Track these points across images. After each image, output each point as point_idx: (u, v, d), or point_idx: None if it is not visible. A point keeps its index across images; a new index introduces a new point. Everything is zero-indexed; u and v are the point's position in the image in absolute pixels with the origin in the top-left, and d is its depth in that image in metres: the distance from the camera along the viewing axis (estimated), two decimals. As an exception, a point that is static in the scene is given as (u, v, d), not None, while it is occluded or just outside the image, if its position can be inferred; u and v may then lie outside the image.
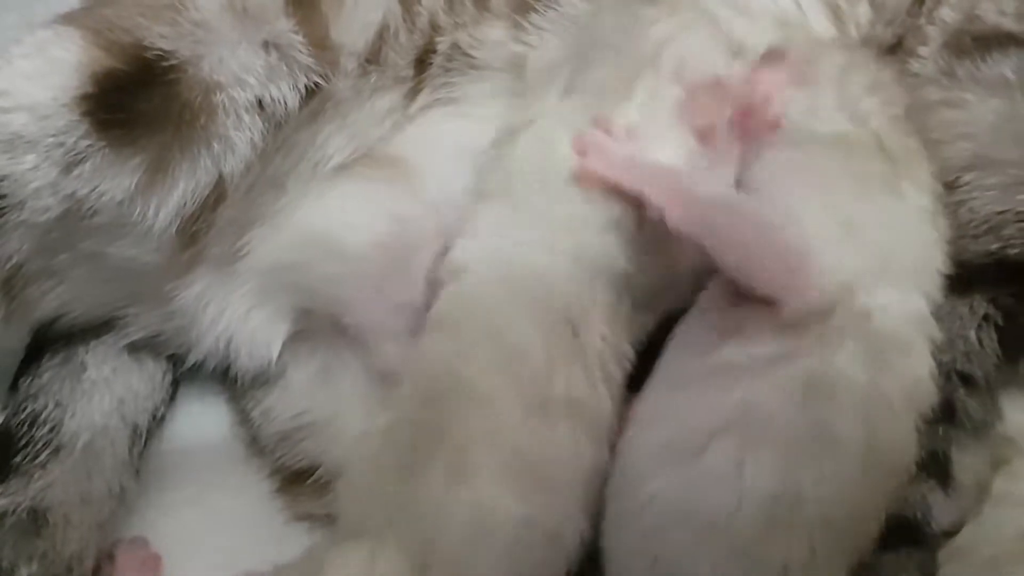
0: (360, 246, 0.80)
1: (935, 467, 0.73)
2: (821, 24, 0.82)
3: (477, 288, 0.72)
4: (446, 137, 0.83)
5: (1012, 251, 0.73)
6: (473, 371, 0.67)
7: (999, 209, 0.74)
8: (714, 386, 0.65)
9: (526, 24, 0.83)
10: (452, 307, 0.72)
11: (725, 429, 0.63)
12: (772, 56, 0.74)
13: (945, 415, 0.73)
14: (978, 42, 0.77)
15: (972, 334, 0.74)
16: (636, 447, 0.67)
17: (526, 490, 0.65)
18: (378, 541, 0.64)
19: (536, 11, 0.83)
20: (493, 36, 0.83)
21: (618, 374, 0.71)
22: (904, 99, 0.75)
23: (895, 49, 0.81)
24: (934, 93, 0.78)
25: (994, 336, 0.74)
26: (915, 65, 0.79)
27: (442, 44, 0.82)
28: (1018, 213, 0.74)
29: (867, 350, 0.64)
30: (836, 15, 0.82)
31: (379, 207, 0.81)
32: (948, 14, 0.79)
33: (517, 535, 0.65)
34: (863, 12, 0.82)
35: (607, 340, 0.71)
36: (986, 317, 0.74)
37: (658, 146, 0.73)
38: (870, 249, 0.67)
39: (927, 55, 0.79)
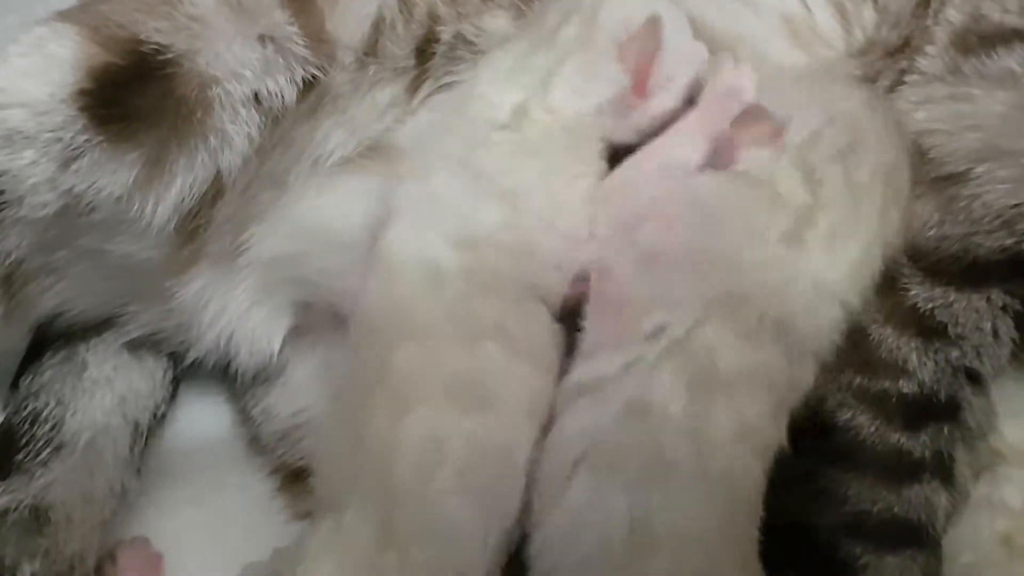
0: (360, 236, 0.79)
1: (939, 469, 0.72)
2: (827, 24, 0.82)
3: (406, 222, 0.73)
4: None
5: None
6: (407, 306, 0.69)
7: (1013, 203, 0.73)
8: (573, 411, 0.66)
9: (529, 12, 0.83)
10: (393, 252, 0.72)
11: (582, 458, 0.64)
12: (750, 114, 0.73)
13: (949, 415, 0.72)
14: (983, 40, 0.77)
15: (988, 326, 0.72)
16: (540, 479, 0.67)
17: (469, 408, 0.65)
18: (341, 508, 0.65)
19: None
20: (496, 25, 0.83)
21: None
22: (883, 159, 0.73)
23: (903, 48, 0.81)
24: (940, 90, 0.77)
25: (1011, 324, 0.73)
26: (922, 63, 0.79)
27: (444, 34, 0.82)
28: None
29: (689, 382, 0.64)
30: (842, 16, 0.82)
31: (379, 197, 0.80)
32: (953, 15, 0.79)
33: (469, 454, 0.65)
34: (868, 15, 0.82)
35: None
36: (1004, 307, 0.73)
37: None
38: (720, 286, 0.66)
39: (934, 54, 0.79)
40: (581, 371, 0.67)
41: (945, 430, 0.72)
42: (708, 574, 0.62)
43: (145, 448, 0.85)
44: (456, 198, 0.72)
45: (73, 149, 0.68)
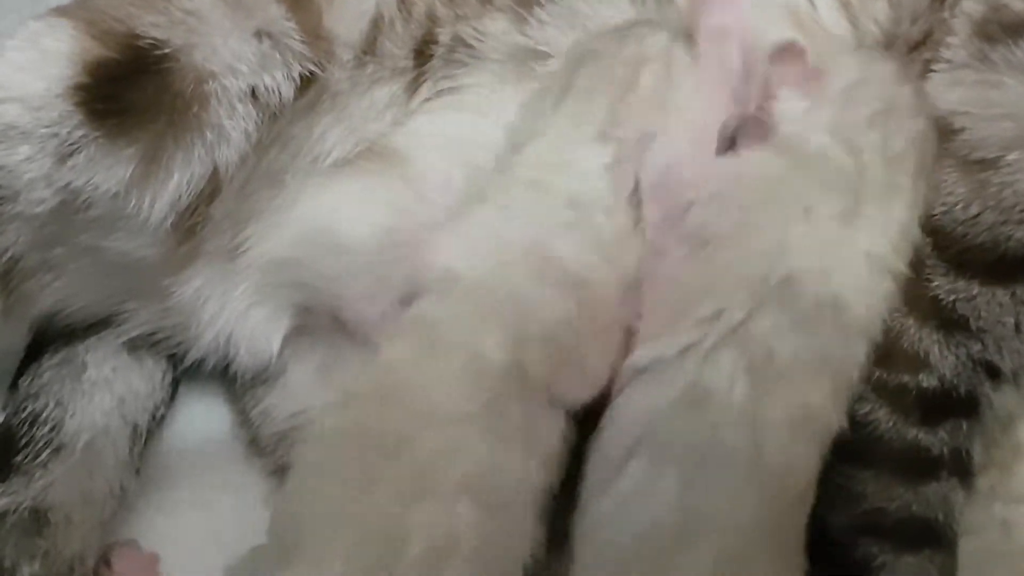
0: (360, 240, 0.80)
1: (957, 466, 0.70)
2: (832, 19, 0.82)
3: (458, 299, 0.69)
4: (448, 130, 0.83)
5: None
6: (445, 391, 0.65)
7: None
8: (629, 394, 0.65)
9: (529, 17, 0.83)
10: (431, 312, 0.69)
11: (638, 443, 0.63)
12: (789, 51, 0.73)
13: (968, 410, 0.71)
14: (1007, 29, 0.75)
15: (1011, 321, 0.70)
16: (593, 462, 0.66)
17: (485, 505, 0.63)
18: (322, 558, 0.62)
19: (539, 4, 0.83)
20: (495, 28, 0.83)
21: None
22: (916, 126, 0.73)
23: (925, 41, 0.80)
24: (970, 75, 0.76)
25: None
26: (947, 53, 0.77)
27: (443, 35, 0.82)
28: None
29: (747, 368, 0.62)
30: (848, 11, 0.82)
31: (379, 201, 0.81)
32: (971, 6, 0.78)
33: (477, 552, 0.63)
34: (880, 9, 0.82)
35: None
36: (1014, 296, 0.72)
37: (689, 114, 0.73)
38: (775, 271, 0.65)
39: (958, 44, 0.77)
40: (639, 354, 0.66)
41: (964, 426, 0.70)
42: (753, 565, 0.61)
43: (144, 449, 0.85)
44: (519, 288, 0.68)
45: (69, 144, 0.68)
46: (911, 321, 0.71)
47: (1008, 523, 0.71)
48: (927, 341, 0.71)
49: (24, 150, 0.68)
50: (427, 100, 0.83)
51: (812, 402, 0.62)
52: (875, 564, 0.68)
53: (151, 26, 0.70)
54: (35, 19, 0.71)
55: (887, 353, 0.69)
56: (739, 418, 0.61)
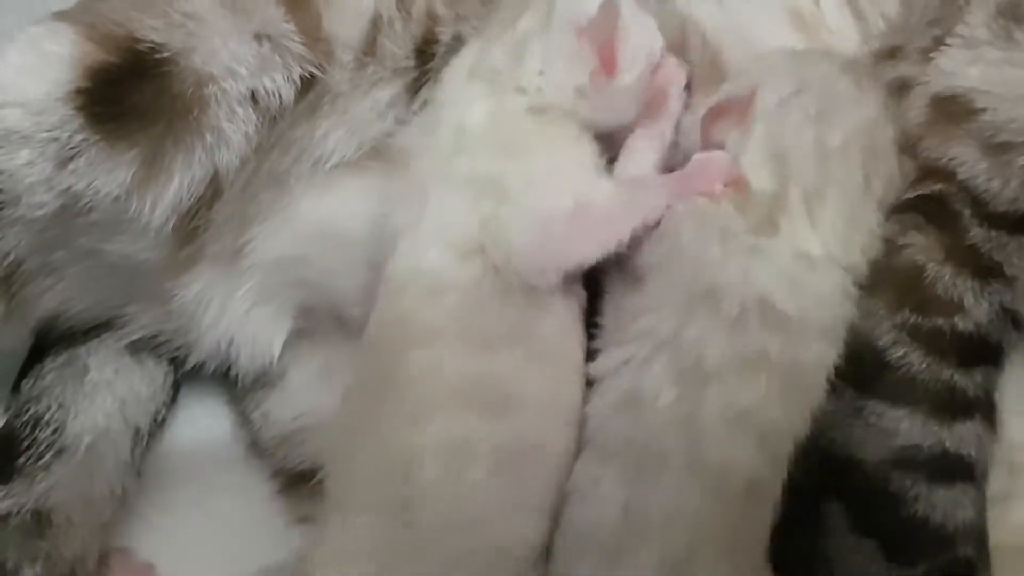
0: (362, 236, 0.80)
1: (989, 411, 0.71)
2: (837, 16, 0.82)
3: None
4: None
5: None
6: (412, 317, 0.69)
7: None
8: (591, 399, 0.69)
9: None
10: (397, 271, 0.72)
11: (586, 443, 0.68)
12: (719, 110, 0.75)
13: (996, 358, 0.72)
14: None
15: None
16: None
17: (491, 411, 0.66)
18: (354, 512, 0.65)
19: None
20: None
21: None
22: (857, 117, 0.74)
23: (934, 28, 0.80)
24: (993, 53, 0.75)
25: None
26: (964, 30, 0.77)
27: (444, 35, 0.82)
28: None
29: (678, 374, 0.66)
30: (853, 6, 0.82)
31: (381, 197, 0.80)
32: None
33: (498, 454, 0.65)
34: (890, 4, 0.82)
35: None
36: None
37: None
38: (696, 284, 0.68)
39: (977, 23, 0.77)
40: (589, 366, 0.70)
41: (993, 373, 0.71)
42: (700, 563, 0.63)
43: (146, 451, 0.85)
44: (452, 210, 0.72)
45: (70, 148, 0.68)
46: (948, 269, 0.72)
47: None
48: (962, 287, 0.71)
49: (25, 154, 0.68)
50: (430, 100, 0.82)
51: (746, 401, 0.64)
52: (909, 496, 0.68)
53: (150, 30, 0.70)
54: (35, 24, 0.71)
55: (922, 299, 0.71)
56: (672, 420, 0.64)
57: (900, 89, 0.79)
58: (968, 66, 0.76)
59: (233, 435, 0.89)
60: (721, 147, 0.74)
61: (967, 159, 0.73)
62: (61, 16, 0.71)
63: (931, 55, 0.78)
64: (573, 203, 0.70)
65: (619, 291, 0.72)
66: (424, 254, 0.71)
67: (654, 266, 0.70)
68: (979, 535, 0.69)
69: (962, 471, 0.69)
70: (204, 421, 0.90)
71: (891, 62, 0.81)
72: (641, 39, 0.76)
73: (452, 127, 0.75)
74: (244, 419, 0.88)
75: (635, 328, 0.68)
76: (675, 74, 0.79)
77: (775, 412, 0.65)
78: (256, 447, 0.88)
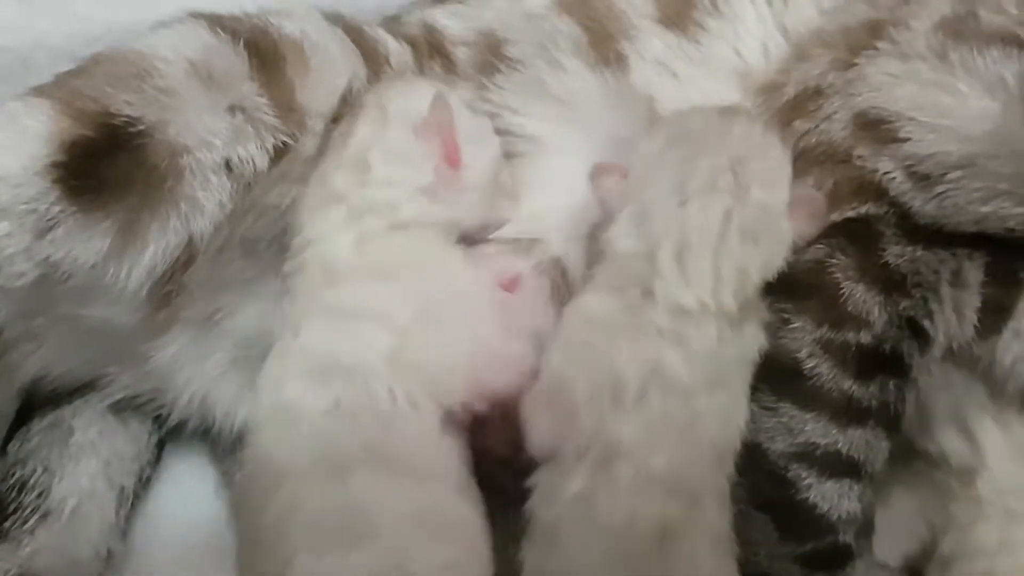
0: None
1: (884, 418, 0.76)
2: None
3: None
4: None
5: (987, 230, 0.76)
6: (269, 457, 0.70)
7: (983, 209, 0.75)
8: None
9: (490, 85, 0.85)
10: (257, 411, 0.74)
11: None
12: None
13: (896, 369, 0.76)
14: (975, 34, 0.77)
15: (947, 270, 0.76)
16: None
17: (350, 542, 0.66)
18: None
19: (500, 72, 0.85)
20: (460, 97, 0.84)
21: None
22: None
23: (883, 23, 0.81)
24: (925, 71, 0.77)
25: (980, 275, 0.76)
26: (901, 35, 0.79)
27: None
28: (1001, 218, 0.75)
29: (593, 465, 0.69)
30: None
31: None
32: (942, 3, 0.79)
33: None
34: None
35: None
36: (970, 257, 0.77)
37: None
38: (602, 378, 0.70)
39: (918, 30, 0.79)
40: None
41: (891, 384, 0.76)
42: None
43: (131, 512, 0.86)
44: (315, 339, 0.73)
45: (48, 220, 0.69)
46: (860, 287, 0.76)
47: None
48: (870, 303, 0.76)
49: (3, 226, 0.69)
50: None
51: (656, 464, 0.68)
52: (802, 484, 0.75)
53: (125, 104, 0.71)
54: (14, 98, 0.73)
55: (837, 315, 0.75)
56: (575, 499, 0.68)
57: (815, 95, 0.81)
58: (897, 84, 0.78)
59: (217, 494, 0.89)
60: (608, 206, 0.76)
61: (896, 176, 0.76)
62: (38, 91, 0.73)
63: (856, 61, 0.80)
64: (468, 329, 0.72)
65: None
66: (281, 388, 0.72)
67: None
68: (861, 525, 0.76)
69: (851, 470, 0.76)
70: (188, 481, 0.90)
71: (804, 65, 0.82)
72: (478, 132, 0.78)
73: (318, 264, 0.75)
74: (227, 478, 0.89)
75: (568, 448, 0.70)
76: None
77: (684, 464, 0.69)
78: (240, 506, 0.88)
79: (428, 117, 0.76)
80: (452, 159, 0.76)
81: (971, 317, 0.77)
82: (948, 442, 0.82)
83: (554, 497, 0.69)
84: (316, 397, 0.70)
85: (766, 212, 0.74)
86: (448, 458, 0.71)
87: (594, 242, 0.79)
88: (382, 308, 0.72)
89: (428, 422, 0.71)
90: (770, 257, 0.73)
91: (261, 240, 0.81)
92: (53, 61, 0.78)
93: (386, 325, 0.72)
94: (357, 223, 0.75)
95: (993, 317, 0.77)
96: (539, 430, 0.72)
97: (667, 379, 0.69)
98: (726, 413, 0.72)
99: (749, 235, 0.72)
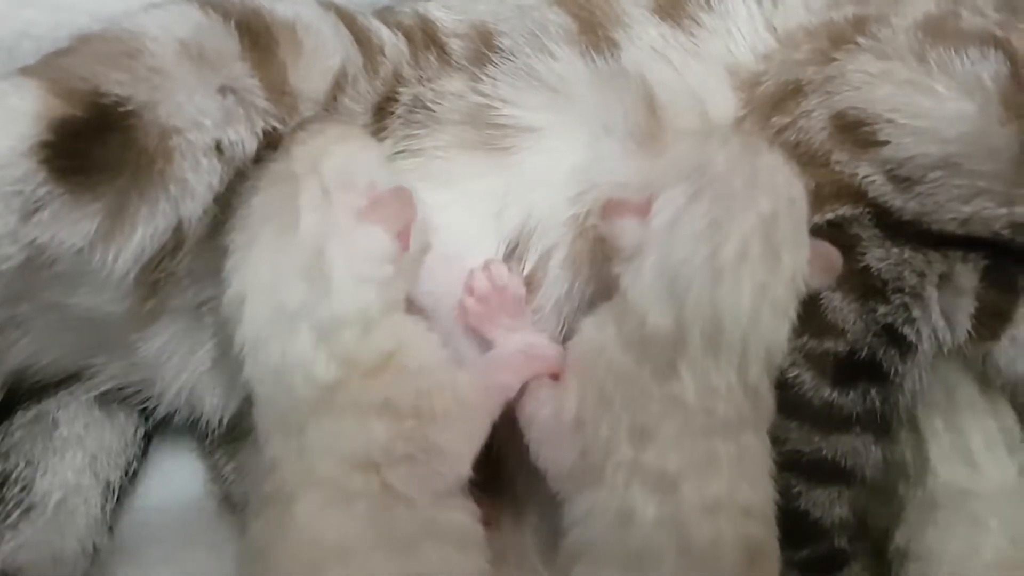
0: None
1: (870, 424, 0.78)
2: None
3: None
4: None
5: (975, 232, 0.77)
6: (323, 530, 0.69)
7: (966, 209, 0.76)
8: (572, 533, 0.72)
9: (483, 76, 0.84)
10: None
11: (579, 556, 0.71)
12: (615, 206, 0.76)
13: (874, 376, 0.78)
14: (954, 34, 0.77)
15: (935, 272, 0.78)
16: None
17: None
18: None
19: (493, 63, 0.85)
20: (452, 88, 0.84)
21: None
22: (767, 195, 0.72)
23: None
24: (902, 72, 0.78)
25: (974, 277, 0.78)
26: (884, 32, 0.79)
27: (404, 95, 0.84)
28: (985, 219, 0.76)
29: (652, 488, 0.69)
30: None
31: None
32: (924, 3, 0.80)
33: None
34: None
35: None
36: (964, 259, 0.78)
37: None
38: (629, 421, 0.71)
39: (899, 26, 0.79)
40: (575, 507, 0.72)
41: (872, 391, 0.77)
42: None
43: (117, 506, 0.85)
44: (337, 433, 0.71)
45: (34, 202, 0.68)
46: (838, 295, 0.77)
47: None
48: (846, 311, 0.77)
49: None
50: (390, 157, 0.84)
51: (714, 489, 0.69)
52: (792, 492, 0.77)
53: (115, 83, 0.70)
54: (0, 79, 0.71)
55: (818, 325, 0.77)
56: (659, 523, 0.69)
57: (795, 92, 0.81)
58: (875, 85, 0.78)
59: (205, 489, 0.89)
60: (618, 246, 0.74)
61: (876, 179, 0.77)
62: (25, 71, 0.71)
63: (836, 56, 0.79)
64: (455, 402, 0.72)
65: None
66: (315, 466, 0.69)
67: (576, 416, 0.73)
68: (854, 530, 0.78)
69: (838, 475, 0.78)
70: (176, 475, 0.89)
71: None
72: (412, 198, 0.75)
73: (304, 385, 0.71)
74: (216, 473, 0.88)
75: (604, 468, 0.70)
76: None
77: (743, 488, 0.70)
78: (228, 501, 0.87)
79: (383, 201, 0.73)
80: (405, 243, 0.74)
81: (964, 322, 0.78)
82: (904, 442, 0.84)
83: (621, 521, 0.69)
84: (358, 483, 0.69)
85: (795, 280, 0.72)
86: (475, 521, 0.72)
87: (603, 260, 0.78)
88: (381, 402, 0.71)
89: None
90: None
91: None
92: (39, 50, 0.76)
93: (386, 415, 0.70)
94: (328, 343, 0.71)
95: (990, 323, 0.78)
96: (560, 463, 0.73)
97: (695, 406, 0.70)
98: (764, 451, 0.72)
99: (781, 311, 0.71)
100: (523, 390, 0.74)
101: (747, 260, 0.70)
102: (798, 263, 0.71)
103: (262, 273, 0.72)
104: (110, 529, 0.83)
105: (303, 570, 0.67)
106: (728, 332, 0.69)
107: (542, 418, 0.74)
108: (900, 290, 0.76)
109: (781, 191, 0.72)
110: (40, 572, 0.77)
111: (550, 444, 0.73)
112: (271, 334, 0.71)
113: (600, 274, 0.79)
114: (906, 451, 0.83)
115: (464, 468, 0.71)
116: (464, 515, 0.71)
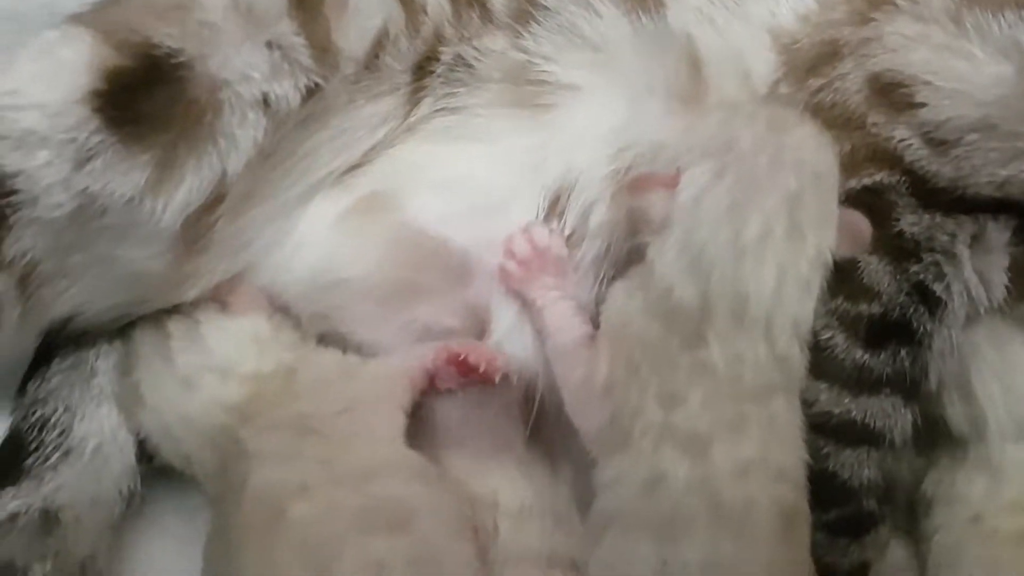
0: (361, 277, 0.83)
1: (900, 386, 0.77)
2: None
3: None
4: (441, 166, 0.85)
5: (1011, 195, 0.77)
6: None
7: (1003, 172, 0.76)
8: (601, 502, 0.73)
9: (524, 32, 0.85)
10: None
11: (610, 523, 0.71)
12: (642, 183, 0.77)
13: (905, 337, 0.78)
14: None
15: (966, 233, 0.78)
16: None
17: (394, 528, 0.69)
18: None
19: (535, 20, 0.85)
20: (494, 46, 0.85)
21: None
22: (793, 173, 0.73)
23: None
24: (938, 35, 0.78)
25: (1007, 236, 0.78)
26: None
27: (445, 54, 0.85)
28: (1022, 182, 0.76)
29: (683, 450, 0.70)
30: None
31: (376, 240, 0.83)
32: None
33: (411, 570, 0.68)
34: None
35: None
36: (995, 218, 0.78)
37: None
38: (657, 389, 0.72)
39: None
40: (602, 472, 0.73)
41: (903, 352, 0.77)
42: None
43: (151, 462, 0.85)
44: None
45: (87, 150, 0.69)
46: (874, 259, 0.77)
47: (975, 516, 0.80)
48: (881, 273, 0.77)
49: (43, 155, 0.69)
50: (425, 119, 0.85)
51: (746, 451, 0.70)
52: (821, 454, 0.76)
53: (166, 36, 0.71)
54: (51, 28, 0.72)
55: (852, 288, 0.77)
56: (691, 487, 0.69)
57: (831, 54, 0.81)
58: (912, 48, 0.79)
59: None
60: (646, 219, 0.75)
61: (912, 142, 0.78)
62: (76, 19, 0.73)
63: (873, 16, 0.80)
64: None
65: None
66: None
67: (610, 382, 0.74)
68: (883, 492, 0.78)
69: (867, 437, 0.77)
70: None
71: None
72: None
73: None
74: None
75: (632, 433, 0.71)
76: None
77: (775, 451, 0.71)
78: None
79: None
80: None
81: (999, 279, 0.79)
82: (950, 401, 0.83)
83: (651, 486, 0.70)
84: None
85: (820, 255, 0.73)
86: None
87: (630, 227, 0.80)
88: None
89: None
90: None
91: (279, 187, 0.81)
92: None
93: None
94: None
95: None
96: (591, 425, 0.74)
97: (725, 371, 0.71)
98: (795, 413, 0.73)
99: (804, 287, 0.72)
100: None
101: (770, 239, 0.71)
102: (823, 238, 0.73)
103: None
104: (144, 476, 0.84)
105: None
106: (753, 307, 0.71)
107: (574, 380, 0.76)
108: (931, 249, 0.77)
109: (807, 167, 0.73)
110: (79, 512, 0.78)
111: (581, 406, 0.75)
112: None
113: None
114: (955, 410, 0.82)
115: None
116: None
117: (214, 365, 0.79)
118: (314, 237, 0.83)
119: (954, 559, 0.79)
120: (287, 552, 0.68)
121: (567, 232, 0.82)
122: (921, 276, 0.77)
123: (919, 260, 0.77)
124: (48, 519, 0.77)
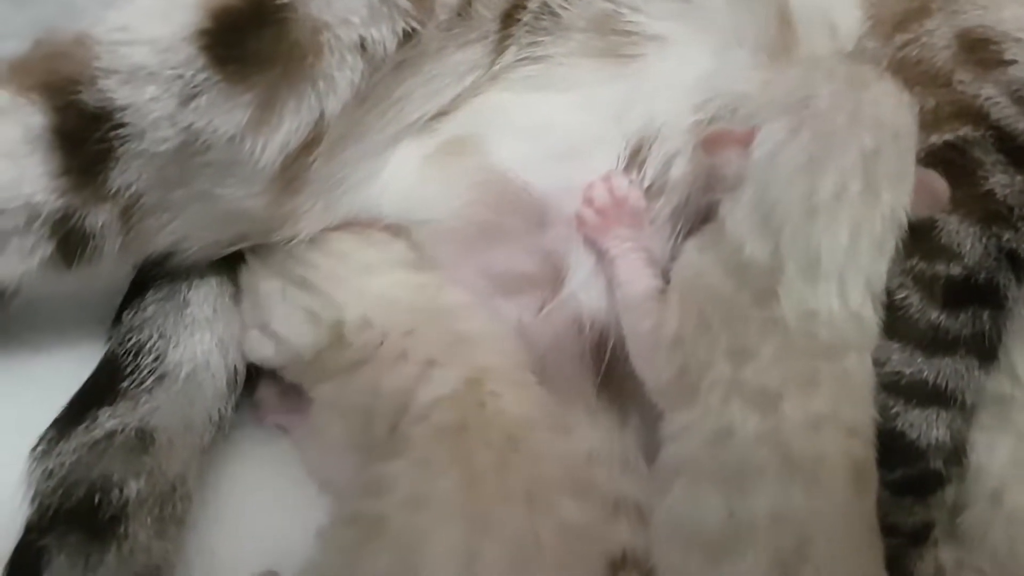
0: (446, 216, 0.85)
1: (977, 348, 0.78)
2: None
3: None
4: (526, 112, 0.86)
5: None
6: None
7: None
8: (667, 453, 0.74)
9: None
10: None
11: (678, 473, 0.72)
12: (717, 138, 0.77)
13: (990, 299, 0.78)
14: None
15: None
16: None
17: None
18: None
19: None
20: None
21: None
22: (870, 129, 0.73)
23: None
24: None
25: None
26: None
27: (532, 2, 0.85)
28: None
29: (752, 404, 0.71)
30: None
31: (461, 184, 0.85)
32: None
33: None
34: None
35: None
36: None
37: None
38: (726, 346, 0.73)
39: None
40: (669, 426, 0.75)
41: (985, 315, 0.77)
42: (815, 557, 0.68)
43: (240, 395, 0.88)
44: None
45: (193, 87, 0.71)
46: (955, 218, 0.78)
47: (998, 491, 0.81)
48: (963, 234, 0.78)
49: (151, 90, 0.71)
50: (508, 68, 0.86)
51: (819, 406, 0.70)
52: (890, 412, 0.77)
53: None
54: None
55: (929, 247, 0.77)
56: (760, 439, 0.70)
57: (920, 11, 0.81)
58: (1003, 4, 0.78)
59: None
60: (720, 176, 0.76)
61: (1000, 100, 0.78)
62: (186, -41, 0.74)
63: None
64: None
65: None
66: None
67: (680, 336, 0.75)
68: (950, 453, 0.79)
69: (937, 398, 0.78)
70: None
71: None
72: None
73: None
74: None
75: (700, 387, 0.73)
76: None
77: (846, 408, 0.71)
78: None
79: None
80: None
81: None
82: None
83: (719, 438, 0.71)
84: None
85: (895, 214, 0.73)
86: None
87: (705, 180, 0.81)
88: None
89: None
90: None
91: (374, 128, 0.83)
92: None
93: None
94: None
95: None
96: (658, 378, 0.76)
97: (798, 328, 0.72)
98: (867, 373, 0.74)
99: (877, 246, 0.72)
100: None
101: (844, 198, 0.71)
102: (899, 198, 0.73)
103: None
104: (235, 406, 0.87)
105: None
106: (826, 264, 0.71)
107: (643, 330, 0.77)
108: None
109: (886, 125, 0.73)
110: (172, 434, 0.81)
111: (648, 358, 0.76)
112: None
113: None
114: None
115: None
116: None
117: (395, 260, 0.82)
118: (401, 178, 0.85)
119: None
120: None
121: (646, 184, 0.83)
122: (1015, 245, 0.77)
123: (1013, 227, 0.77)
124: (143, 438, 0.80)
